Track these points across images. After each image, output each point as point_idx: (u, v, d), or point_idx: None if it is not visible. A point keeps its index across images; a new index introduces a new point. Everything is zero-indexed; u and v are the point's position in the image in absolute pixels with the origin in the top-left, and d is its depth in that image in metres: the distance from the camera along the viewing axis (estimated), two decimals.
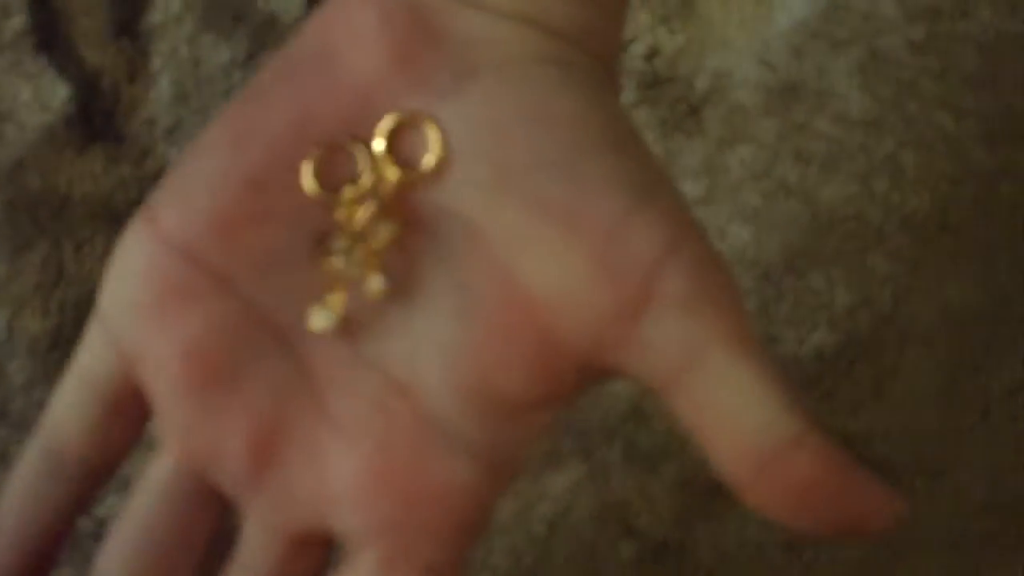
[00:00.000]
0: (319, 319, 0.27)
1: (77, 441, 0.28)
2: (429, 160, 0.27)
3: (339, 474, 0.27)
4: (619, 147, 0.27)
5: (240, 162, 0.27)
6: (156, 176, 0.47)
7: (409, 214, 0.27)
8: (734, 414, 0.25)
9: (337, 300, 0.27)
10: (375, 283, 0.27)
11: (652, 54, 0.50)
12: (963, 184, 0.49)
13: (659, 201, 0.26)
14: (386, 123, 0.27)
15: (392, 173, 0.27)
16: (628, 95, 0.49)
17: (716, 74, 0.50)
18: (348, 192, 0.27)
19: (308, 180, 0.27)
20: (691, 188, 0.49)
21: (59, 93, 0.49)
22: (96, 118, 0.49)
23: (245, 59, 0.50)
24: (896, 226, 0.49)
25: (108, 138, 0.49)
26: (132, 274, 0.28)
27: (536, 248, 0.26)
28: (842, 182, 0.49)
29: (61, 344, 0.47)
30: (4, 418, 0.46)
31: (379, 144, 0.27)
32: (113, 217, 0.48)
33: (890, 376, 0.48)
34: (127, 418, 0.28)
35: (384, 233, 0.27)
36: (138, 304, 0.27)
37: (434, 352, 0.27)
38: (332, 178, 0.27)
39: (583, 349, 0.26)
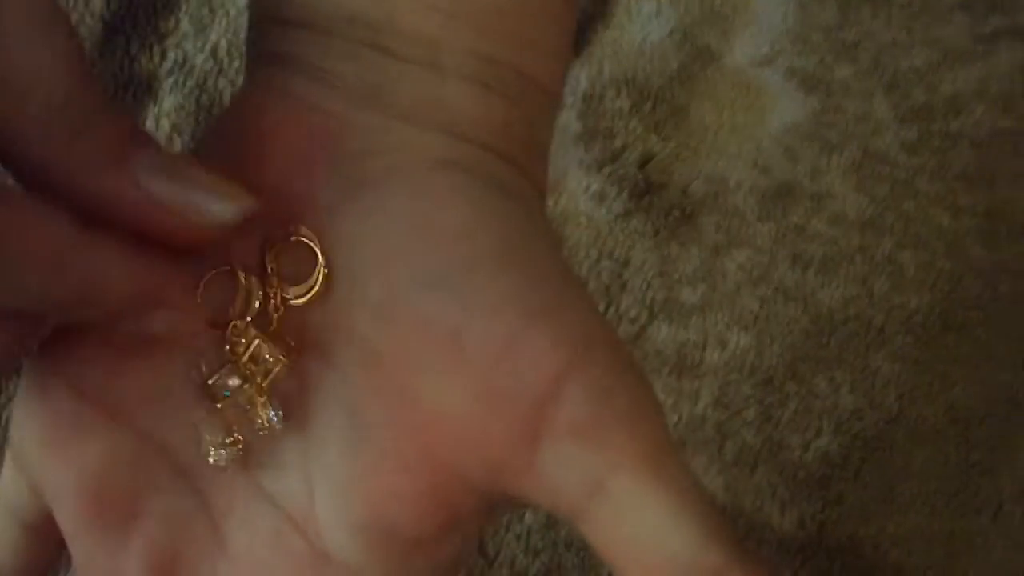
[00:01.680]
0: (209, 450, 0.26)
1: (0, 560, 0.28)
2: (312, 280, 0.25)
3: None
4: (512, 261, 0.25)
5: None
6: None
7: (301, 336, 0.26)
8: (643, 546, 0.24)
9: (224, 428, 0.26)
10: (265, 416, 0.26)
11: (644, 161, 0.49)
12: (963, 282, 0.49)
13: (555, 320, 0.25)
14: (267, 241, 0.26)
15: (274, 292, 0.26)
16: (621, 203, 0.49)
17: (710, 179, 0.50)
18: (231, 315, 0.26)
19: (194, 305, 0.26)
20: (688, 295, 0.49)
21: None
22: None
23: None
24: (898, 327, 0.48)
25: None
26: (30, 408, 0.27)
27: (426, 372, 0.25)
28: (841, 284, 0.49)
29: None
30: None
31: (261, 263, 0.26)
32: None
33: (899, 479, 0.48)
34: (46, 538, 0.28)
35: (272, 363, 0.26)
36: (37, 437, 0.27)
37: (328, 485, 0.26)
38: (219, 301, 0.26)
39: (479, 478, 0.25)
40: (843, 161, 0.50)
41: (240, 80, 0.50)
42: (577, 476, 0.24)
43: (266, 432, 0.26)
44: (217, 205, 0.24)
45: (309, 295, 0.26)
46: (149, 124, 0.49)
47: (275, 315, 0.26)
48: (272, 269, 0.26)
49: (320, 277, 0.25)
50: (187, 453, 0.26)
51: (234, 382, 0.26)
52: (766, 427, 0.47)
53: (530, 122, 0.27)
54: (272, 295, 0.26)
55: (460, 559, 0.27)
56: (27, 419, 0.27)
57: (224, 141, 0.27)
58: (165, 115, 0.49)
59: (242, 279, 0.26)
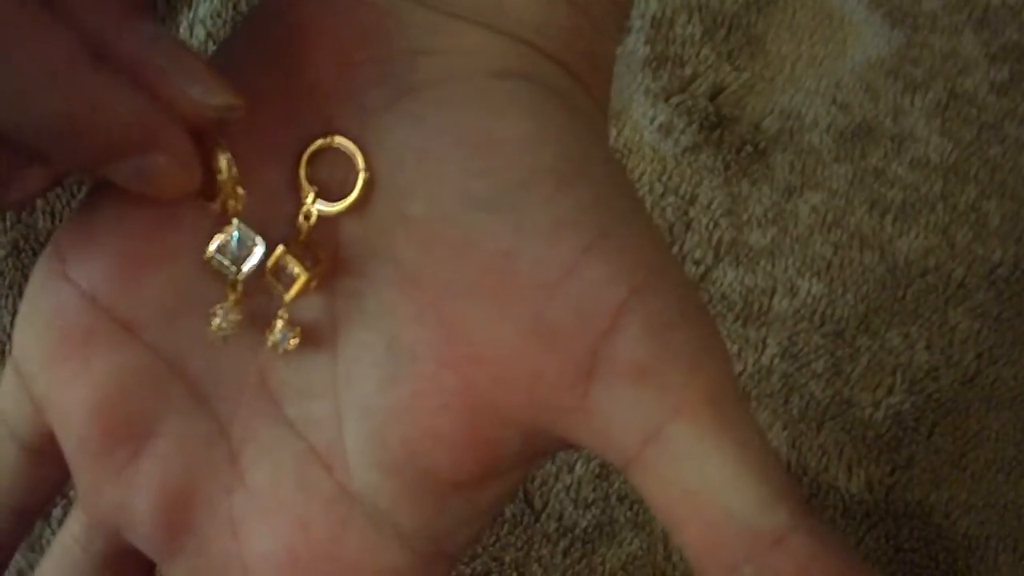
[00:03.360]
0: (215, 324, 0.24)
1: None
2: (351, 191, 0.23)
3: (254, 548, 0.24)
4: (573, 181, 0.22)
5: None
6: None
7: (334, 254, 0.23)
8: (701, 500, 0.21)
9: (226, 306, 0.24)
10: (275, 338, 0.24)
11: (716, 92, 0.46)
12: None
13: (616, 247, 0.22)
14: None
15: (306, 199, 0.23)
16: (689, 136, 0.45)
17: (784, 115, 0.46)
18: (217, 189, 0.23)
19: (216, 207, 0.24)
20: (757, 238, 0.45)
21: None
22: None
23: None
24: (979, 281, 0.45)
25: None
26: (38, 317, 0.24)
27: (472, 300, 0.22)
28: (921, 233, 0.45)
29: None
30: None
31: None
32: None
33: (973, 443, 0.45)
34: (49, 461, 0.26)
35: (296, 276, 0.23)
36: (44, 349, 0.24)
37: (359, 419, 0.23)
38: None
39: (525, 419, 0.22)
40: (927, 101, 0.46)
41: None
42: (632, 420, 0.22)
43: (277, 351, 0.24)
44: (200, 92, 0.22)
45: (345, 204, 0.23)
46: (183, 31, 0.46)
47: (305, 225, 0.23)
48: (305, 175, 0.23)
49: (360, 185, 0.23)
50: (205, 374, 0.24)
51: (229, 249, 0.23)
52: (835, 381, 0.44)
53: (596, 32, 0.25)
54: (304, 202, 0.23)
55: (498, 507, 0.24)
56: (33, 329, 0.24)
57: (255, 35, 0.24)
58: (200, 22, 0.46)
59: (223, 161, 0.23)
